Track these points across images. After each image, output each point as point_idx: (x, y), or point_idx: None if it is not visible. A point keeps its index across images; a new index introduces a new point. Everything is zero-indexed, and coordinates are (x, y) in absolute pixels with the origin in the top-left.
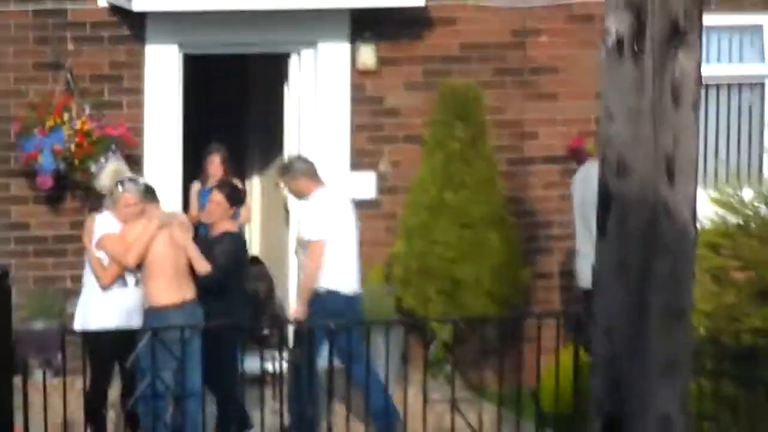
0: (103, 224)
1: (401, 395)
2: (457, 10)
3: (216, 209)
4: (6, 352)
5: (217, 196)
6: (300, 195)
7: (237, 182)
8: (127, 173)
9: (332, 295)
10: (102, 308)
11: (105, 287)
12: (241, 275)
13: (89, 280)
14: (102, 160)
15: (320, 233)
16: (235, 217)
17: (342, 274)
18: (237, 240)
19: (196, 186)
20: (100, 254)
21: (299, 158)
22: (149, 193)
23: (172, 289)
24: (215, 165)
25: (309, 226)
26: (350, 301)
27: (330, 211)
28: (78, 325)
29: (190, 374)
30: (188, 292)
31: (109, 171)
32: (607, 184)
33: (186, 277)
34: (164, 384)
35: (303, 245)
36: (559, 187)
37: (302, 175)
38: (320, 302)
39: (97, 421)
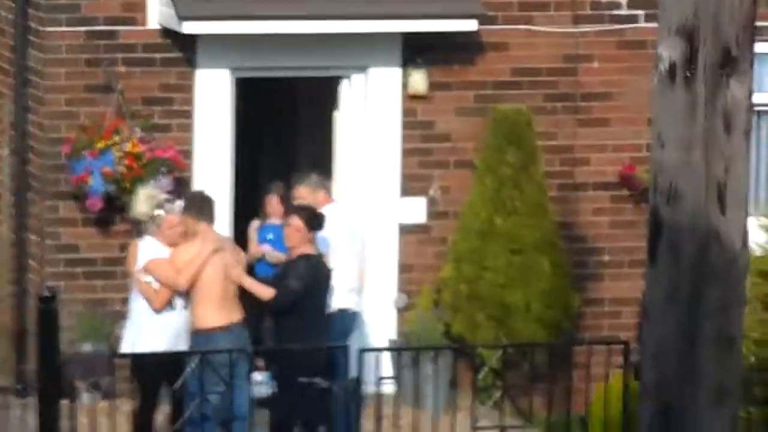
0: (147, 250)
1: (450, 421)
2: (509, 35)
3: (294, 234)
4: (54, 375)
5: (296, 222)
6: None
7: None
8: (161, 196)
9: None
10: (150, 331)
11: (157, 311)
12: (318, 297)
13: (136, 304)
14: (155, 182)
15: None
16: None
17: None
18: (314, 263)
19: (255, 223)
20: (148, 278)
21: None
22: (205, 211)
23: (219, 312)
24: (273, 204)
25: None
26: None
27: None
28: (126, 348)
29: (237, 397)
30: (235, 315)
31: (143, 197)
32: (658, 210)
33: (234, 300)
34: (211, 407)
35: None
36: (609, 213)
37: (320, 187)
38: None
39: None
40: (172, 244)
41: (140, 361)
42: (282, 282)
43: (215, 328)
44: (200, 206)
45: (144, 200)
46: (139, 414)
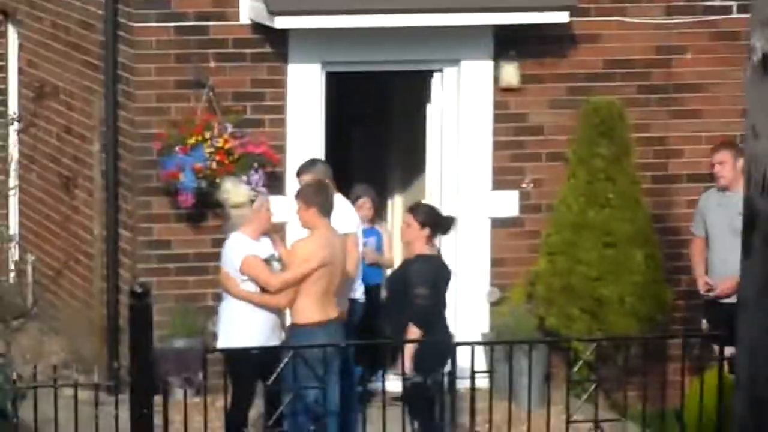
0: (238, 245)
1: (544, 415)
2: (602, 27)
3: (406, 230)
4: (147, 371)
5: (408, 218)
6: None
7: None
8: (245, 188)
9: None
10: (245, 326)
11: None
12: (436, 297)
13: (229, 299)
14: (246, 177)
15: None
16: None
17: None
18: (430, 263)
19: None
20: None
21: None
22: (327, 206)
23: (319, 308)
24: (365, 209)
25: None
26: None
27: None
28: (221, 343)
29: (329, 393)
30: (333, 311)
31: (236, 189)
32: (752, 202)
33: (333, 296)
34: (306, 403)
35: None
36: None
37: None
38: None
39: None
40: (258, 237)
41: (236, 357)
42: (409, 293)
43: (313, 323)
44: (325, 200)
45: (237, 192)
46: (232, 410)
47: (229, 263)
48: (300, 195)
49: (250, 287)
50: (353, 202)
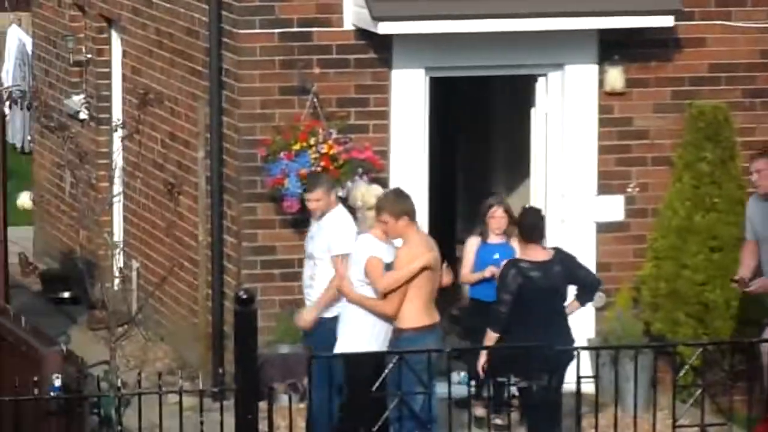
0: (367, 245)
1: (650, 419)
2: (706, 30)
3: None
4: (252, 377)
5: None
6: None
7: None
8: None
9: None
10: (362, 332)
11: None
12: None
13: (346, 304)
14: (348, 184)
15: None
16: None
17: None
18: (520, 269)
19: (474, 240)
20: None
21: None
22: (413, 212)
23: (426, 312)
24: (497, 218)
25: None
26: None
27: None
28: (338, 347)
29: (434, 398)
30: (437, 316)
31: (369, 191)
32: None
33: (434, 301)
34: (410, 407)
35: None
36: None
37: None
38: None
39: None
40: (387, 239)
41: (346, 362)
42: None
43: (421, 328)
44: (411, 206)
45: (369, 192)
46: (349, 416)
47: (356, 262)
48: (384, 209)
49: (368, 293)
50: (485, 211)
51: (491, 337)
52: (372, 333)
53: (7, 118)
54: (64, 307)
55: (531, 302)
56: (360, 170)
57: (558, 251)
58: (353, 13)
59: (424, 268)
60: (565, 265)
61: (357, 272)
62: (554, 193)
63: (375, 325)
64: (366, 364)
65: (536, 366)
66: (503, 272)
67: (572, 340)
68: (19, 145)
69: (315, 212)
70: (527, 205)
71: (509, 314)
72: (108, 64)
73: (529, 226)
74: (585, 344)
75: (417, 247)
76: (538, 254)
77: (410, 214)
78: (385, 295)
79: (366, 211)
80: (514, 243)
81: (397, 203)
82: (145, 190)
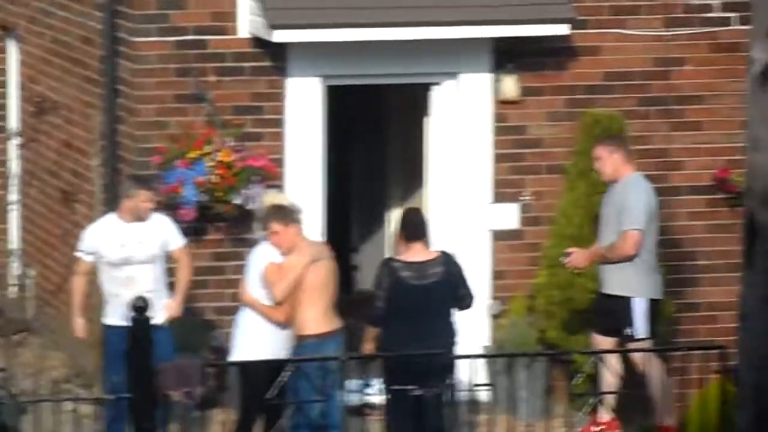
0: (267, 252)
1: (545, 427)
2: (601, 39)
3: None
4: (147, 385)
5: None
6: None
7: None
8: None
9: None
10: (256, 338)
11: (281, 325)
12: (387, 302)
13: (246, 312)
14: (246, 191)
15: None
16: None
17: None
18: (390, 267)
19: None
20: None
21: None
22: (293, 218)
23: (326, 318)
24: None
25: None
26: None
27: None
28: (234, 355)
29: (331, 406)
30: (337, 322)
31: (278, 196)
32: (753, 215)
33: (334, 307)
34: (308, 416)
35: None
36: (705, 216)
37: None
38: None
39: None
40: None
41: (243, 370)
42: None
43: (323, 334)
44: (298, 214)
45: (275, 196)
46: (240, 424)
47: (254, 269)
48: (273, 218)
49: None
50: None
51: (370, 332)
52: (270, 339)
53: None
54: None
55: (402, 301)
56: (255, 178)
57: (444, 254)
58: (249, 22)
59: (313, 261)
60: (449, 269)
61: (254, 280)
62: (449, 202)
63: (273, 332)
64: (262, 371)
65: (411, 372)
66: (377, 271)
67: (451, 344)
68: None
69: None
70: (406, 207)
71: (386, 312)
72: (4, 72)
73: (410, 224)
74: (480, 352)
75: (306, 251)
76: (417, 255)
77: (299, 221)
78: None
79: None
80: None
81: (286, 212)
82: (41, 198)
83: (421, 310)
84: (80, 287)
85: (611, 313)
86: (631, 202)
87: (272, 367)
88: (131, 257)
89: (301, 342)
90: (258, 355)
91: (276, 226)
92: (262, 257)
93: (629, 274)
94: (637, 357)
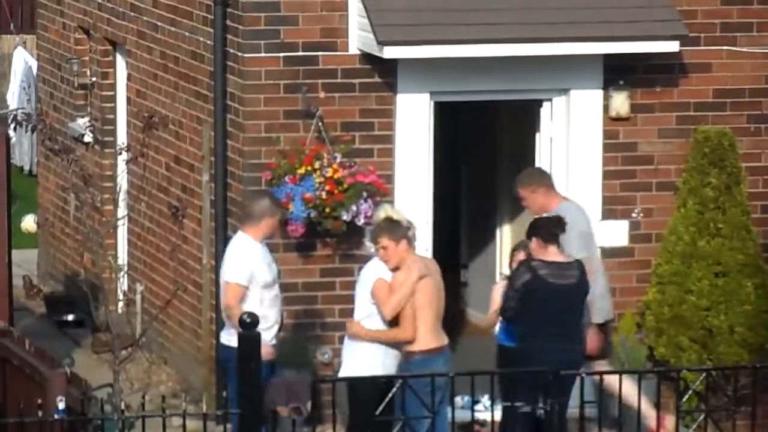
0: (375, 269)
1: None
2: (711, 56)
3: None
4: (255, 401)
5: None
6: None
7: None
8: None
9: None
10: (365, 355)
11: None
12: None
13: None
14: (353, 207)
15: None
16: None
17: None
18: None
19: (500, 284)
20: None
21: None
22: (400, 233)
23: (434, 335)
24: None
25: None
26: None
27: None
28: (344, 371)
29: (439, 422)
30: (444, 338)
31: (392, 210)
32: None
33: (440, 324)
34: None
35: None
36: None
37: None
38: None
39: None
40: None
41: (351, 387)
42: None
43: (431, 350)
44: (407, 231)
45: (389, 211)
46: None
47: (363, 283)
48: (383, 234)
49: (376, 324)
50: (510, 256)
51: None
52: (378, 356)
53: (14, 140)
54: (68, 329)
55: (539, 299)
56: (365, 194)
57: (579, 262)
58: (358, 38)
59: (421, 278)
60: (583, 276)
61: (365, 296)
62: None
63: (382, 349)
64: (370, 387)
65: (540, 389)
66: (515, 269)
67: (581, 350)
68: (27, 168)
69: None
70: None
71: (519, 314)
72: (113, 87)
73: (545, 226)
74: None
75: (414, 267)
76: (554, 256)
77: (409, 238)
78: (392, 321)
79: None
80: None
81: (396, 228)
82: (149, 214)
83: (558, 309)
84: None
85: None
86: (575, 231)
87: (380, 383)
88: (276, 276)
89: (408, 358)
90: (366, 371)
91: (385, 242)
92: (372, 273)
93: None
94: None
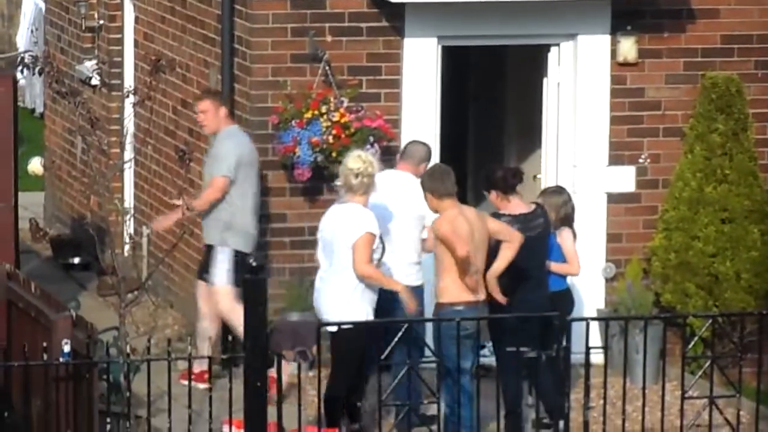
0: (368, 217)
1: (659, 391)
2: (719, 2)
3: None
4: (261, 345)
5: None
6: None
7: None
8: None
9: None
10: (355, 300)
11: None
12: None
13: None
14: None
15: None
16: None
17: None
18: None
19: None
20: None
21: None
22: (448, 186)
23: (468, 288)
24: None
25: None
26: None
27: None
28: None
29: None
30: (481, 293)
31: (355, 156)
32: None
33: (478, 276)
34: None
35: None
36: None
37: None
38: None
39: (351, 415)
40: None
41: (348, 331)
42: None
43: (462, 303)
44: (443, 181)
45: (354, 158)
46: (334, 385)
47: (346, 233)
48: (425, 189)
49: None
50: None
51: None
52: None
53: (24, 82)
54: (74, 272)
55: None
56: (371, 138)
57: (540, 207)
58: None
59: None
60: (546, 221)
61: (345, 244)
62: (565, 163)
63: (362, 290)
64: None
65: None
66: None
67: (547, 297)
68: (39, 110)
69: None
70: (491, 164)
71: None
72: (120, 30)
73: (502, 178)
74: (594, 315)
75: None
76: (518, 207)
77: (433, 192)
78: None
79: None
80: (559, 237)
81: (437, 182)
82: (156, 157)
83: (528, 262)
84: None
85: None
86: (222, 152)
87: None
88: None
89: (439, 310)
90: (353, 315)
91: (428, 197)
92: (354, 223)
93: (219, 226)
94: (224, 303)
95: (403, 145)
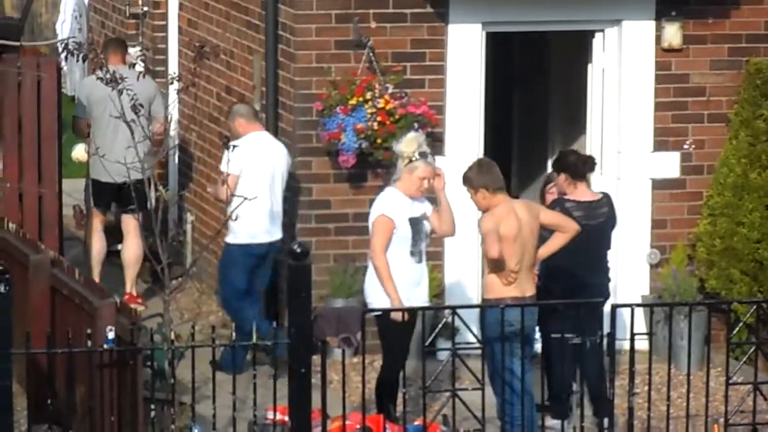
0: (389, 200)
1: (703, 377)
2: None
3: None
4: (305, 331)
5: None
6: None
7: None
8: (425, 145)
9: None
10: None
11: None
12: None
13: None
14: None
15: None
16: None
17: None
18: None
19: None
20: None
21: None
22: (497, 181)
23: (511, 284)
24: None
25: None
26: None
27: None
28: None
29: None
30: (529, 289)
31: (409, 138)
32: None
33: (528, 272)
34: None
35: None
36: None
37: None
38: None
39: (394, 400)
40: (414, 196)
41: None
42: None
43: (506, 299)
44: (492, 174)
45: (409, 141)
46: (387, 371)
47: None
48: (464, 182)
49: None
50: (543, 186)
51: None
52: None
53: (65, 69)
54: (117, 259)
55: (575, 241)
56: (416, 125)
57: (607, 196)
58: None
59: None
60: (611, 212)
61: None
62: (610, 150)
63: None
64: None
65: (587, 318)
66: (548, 209)
67: (608, 287)
68: None
69: None
70: (564, 149)
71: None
72: (164, 16)
73: (574, 163)
74: (639, 301)
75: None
76: (584, 194)
77: (488, 186)
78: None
79: (400, 162)
80: None
81: (474, 177)
82: (200, 143)
83: (593, 250)
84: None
85: None
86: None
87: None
88: None
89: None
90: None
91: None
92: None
93: None
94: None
95: (447, 131)
